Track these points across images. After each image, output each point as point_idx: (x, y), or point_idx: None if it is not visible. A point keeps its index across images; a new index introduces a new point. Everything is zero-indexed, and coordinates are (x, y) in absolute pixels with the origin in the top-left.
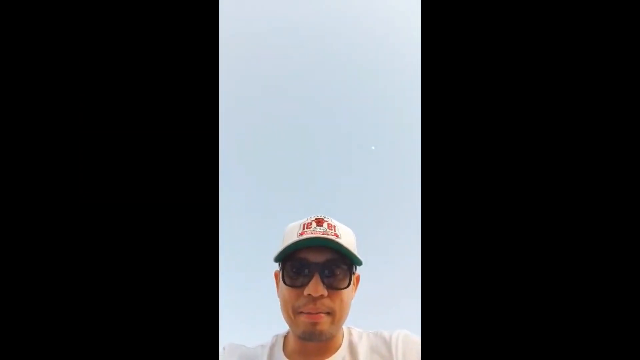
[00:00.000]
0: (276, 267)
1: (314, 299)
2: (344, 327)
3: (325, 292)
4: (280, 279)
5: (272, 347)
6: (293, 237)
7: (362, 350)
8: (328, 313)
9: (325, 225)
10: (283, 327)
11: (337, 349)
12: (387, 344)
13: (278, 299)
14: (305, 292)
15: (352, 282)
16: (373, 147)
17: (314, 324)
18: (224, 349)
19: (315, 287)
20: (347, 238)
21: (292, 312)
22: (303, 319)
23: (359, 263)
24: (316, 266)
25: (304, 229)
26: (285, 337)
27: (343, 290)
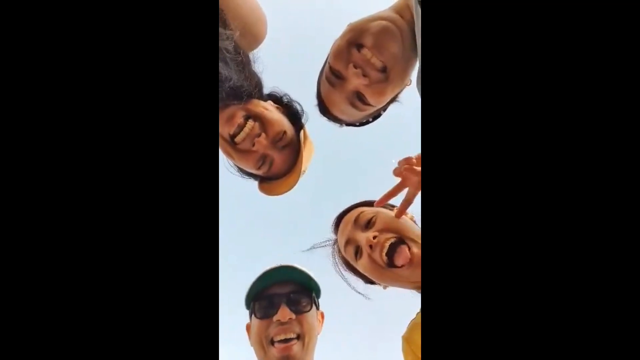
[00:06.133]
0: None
1: (282, 324)
2: None
3: (293, 316)
4: (253, 317)
5: None
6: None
7: None
8: (297, 337)
9: None
10: None
11: None
12: None
13: (252, 348)
14: (275, 318)
15: (314, 306)
16: (393, 160)
17: (287, 356)
18: None
19: (283, 312)
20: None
21: (265, 343)
22: (274, 352)
23: (318, 290)
24: (282, 296)
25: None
26: None
27: (308, 314)
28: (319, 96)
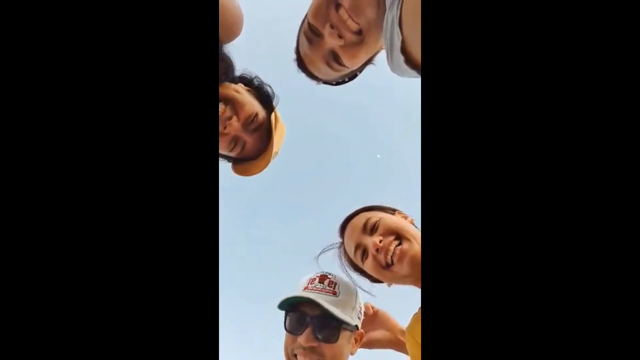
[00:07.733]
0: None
1: (305, 348)
2: None
3: (315, 344)
4: (285, 324)
5: None
6: (298, 290)
7: None
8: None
9: (326, 282)
10: None
11: None
12: None
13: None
14: (299, 339)
15: (341, 337)
16: (378, 156)
17: None
18: None
19: (307, 338)
20: (344, 296)
21: (290, 355)
22: None
23: (348, 324)
24: (310, 319)
25: (308, 283)
26: None
27: (332, 344)
28: (298, 52)
